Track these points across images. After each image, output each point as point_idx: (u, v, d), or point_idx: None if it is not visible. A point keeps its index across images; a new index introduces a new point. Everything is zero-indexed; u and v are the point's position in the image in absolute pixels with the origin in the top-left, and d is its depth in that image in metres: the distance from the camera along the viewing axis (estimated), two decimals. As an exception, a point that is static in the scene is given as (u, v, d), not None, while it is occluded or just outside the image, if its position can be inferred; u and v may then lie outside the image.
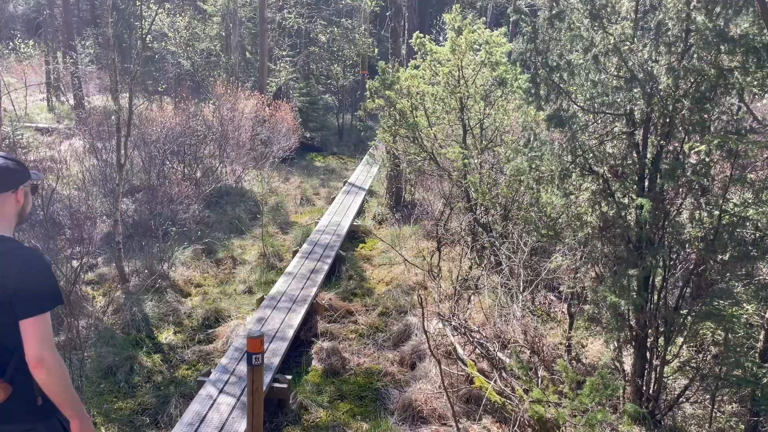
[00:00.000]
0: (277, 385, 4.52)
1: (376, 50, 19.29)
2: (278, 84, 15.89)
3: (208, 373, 4.56)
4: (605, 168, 4.07)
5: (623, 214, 4.00)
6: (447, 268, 6.51)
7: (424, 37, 7.52)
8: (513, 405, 3.98)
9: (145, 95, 15.37)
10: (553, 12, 4.00)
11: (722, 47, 3.45)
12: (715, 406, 4.23)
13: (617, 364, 4.42)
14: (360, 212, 9.68)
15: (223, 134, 10.29)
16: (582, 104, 4.10)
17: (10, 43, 17.24)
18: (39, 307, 1.85)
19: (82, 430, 1.93)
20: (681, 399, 4.24)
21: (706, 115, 3.66)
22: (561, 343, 5.07)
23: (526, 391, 3.84)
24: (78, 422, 1.92)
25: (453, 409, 3.98)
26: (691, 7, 3.59)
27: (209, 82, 13.75)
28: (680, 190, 3.89)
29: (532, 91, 4.09)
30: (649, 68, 3.78)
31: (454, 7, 7.28)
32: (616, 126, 4.09)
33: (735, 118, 3.76)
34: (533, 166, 4.35)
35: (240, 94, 11.58)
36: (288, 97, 16.18)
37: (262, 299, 5.95)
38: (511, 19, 15.98)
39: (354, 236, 8.67)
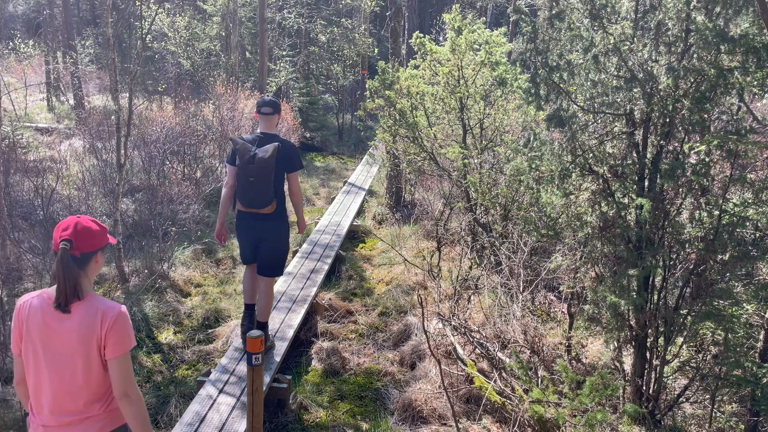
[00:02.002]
0: (277, 385, 4.52)
1: (376, 50, 19.30)
2: (278, 84, 15.89)
3: (208, 373, 4.56)
4: (605, 168, 4.08)
5: (623, 214, 4.00)
6: (447, 268, 6.51)
7: (424, 37, 7.52)
8: (513, 405, 3.99)
9: (145, 95, 15.37)
10: (553, 12, 4.00)
11: (722, 47, 3.45)
12: (715, 406, 4.23)
13: (617, 364, 4.43)
14: (360, 212, 9.68)
15: (223, 134, 10.29)
16: (582, 104, 4.10)
17: (10, 43, 17.25)
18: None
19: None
20: (681, 399, 4.24)
21: (706, 115, 3.67)
22: (561, 343, 5.07)
23: (526, 391, 3.84)
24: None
25: (453, 409, 3.98)
26: (691, 7, 3.59)
27: (209, 82, 13.76)
28: (680, 190, 3.89)
29: (532, 91, 4.09)
30: (649, 68, 3.78)
31: (454, 7, 7.28)
32: (616, 126, 4.09)
33: (735, 118, 3.76)
34: (533, 166, 4.36)
35: (240, 94, 11.58)
36: (288, 97, 16.18)
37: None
38: (511, 19, 15.99)
39: (354, 236, 8.68)
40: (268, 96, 4.57)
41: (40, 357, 2.23)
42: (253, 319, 4.55)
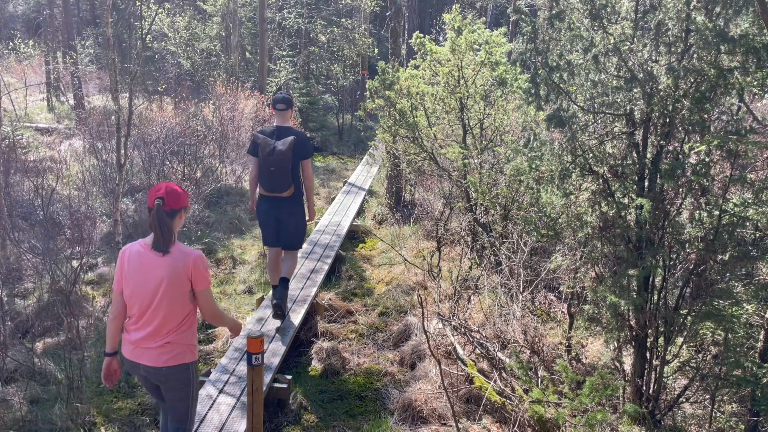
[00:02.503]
0: (277, 385, 4.52)
1: (376, 50, 19.30)
2: (278, 84, 15.89)
3: (208, 373, 4.56)
4: (605, 168, 4.08)
5: (623, 214, 4.00)
6: (447, 268, 6.51)
7: (424, 37, 7.52)
8: (513, 405, 3.99)
9: (145, 95, 15.37)
10: (553, 12, 4.00)
11: (722, 47, 3.45)
12: (715, 406, 4.23)
13: (617, 364, 4.42)
14: (360, 212, 9.68)
15: (223, 134, 10.30)
16: (582, 104, 4.10)
17: (10, 43, 17.25)
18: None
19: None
20: (681, 399, 4.24)
21: (706, 115, 3.67)
22: (561, 343, 5.07)
23: (526, 391, 3.84)
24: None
25: (453, 409, 3.98)
26: (691, 7, 3.59)
27: (209, 82, 13.76)
28: (680, 190, 3.89)
29: (532, 91, 4.09)
30: (649, 68, 3.78)
31: (454, 7, 7.28)
32: (616, 126, 4.09)
33: (735, 118, 3.76)
34: (533, 166, 4.36)
35: (240, 94, 11.58)
36: (288, 97, 16.15)
37: (262, 299, 5.95)
38: (511, 19, 15.99)
39: (354, 236, 8.68)
40: (281, 93, 5.13)
41: (138, 291, 2.85)
42: (283, 294, 5.21)
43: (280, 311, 5.09)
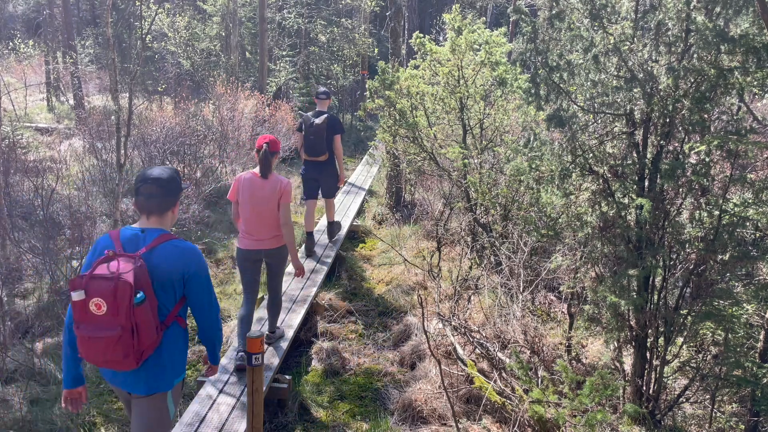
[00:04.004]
0: (277, 385, 4.52)
1: (376, 50, 19.29)
2: (278, 84, 15.89)
3: (208, 373, 4.55)
4: (605, 168, 4.08)
5: (623, 214, 4.00)
6: (447, 268, 6.51)
7: (424, 37, 7.51)
8: (513, 405, 3.99)
9: (145, 95, 15.37)
10: (553, 12, 4.00)
11: (722, 47, 3.45)
12: (715, 406, 4.23)
13: (617, 364, 4.42)
14: (360, 212, 9.67)
15: (223, 134, 10.29)
16: (582, 104, 4.10)
17: (10, 43, 17.25)
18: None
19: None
20: (681, 399, 4.24)
21: (706, 115, 3.66)
22: (561, 343, 5.07)
23: (526, 391, 3.84)
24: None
25: (453, 409, 3.98)
26: (691, 7, 3.59)
27: (209, 82, 13.75)
28: (680, 190, 3.89)
29: (532, 91, 4.09)
30: (649, 68, 3.78)
31: (454, 7, 7.28)
32: (616, 126, 4.09)
33: (735, 118, 3.76)
34: (533, 166, 4.36)
35: (240, 94, 11.57)
36: (288, 97, 16.17)
37: (262, 299, 5.94)
38: (511, 19, 15.99)
39: (354, 236, 8.67)
40: (322, 87, 7.22)
41: (249, 203, 4.47)
42: (313, 242, 7.09)
43: (310, 251, 7.05)
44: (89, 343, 2.45)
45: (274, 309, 4.88)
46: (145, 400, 2.66)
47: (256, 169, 4.51)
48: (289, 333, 5.17)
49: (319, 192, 7.12)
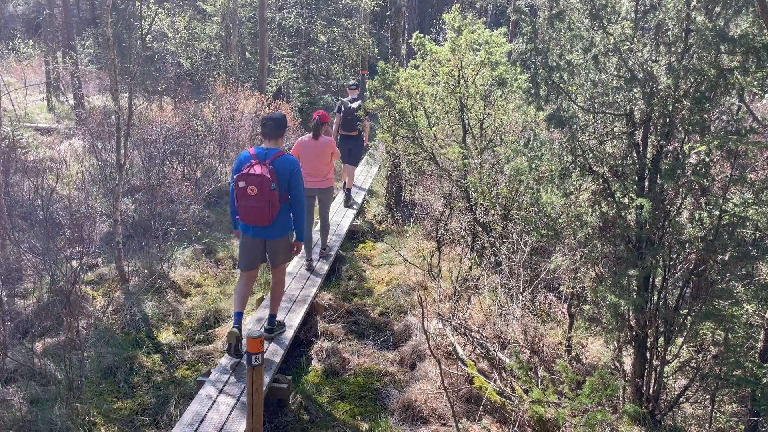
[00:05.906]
0: (277, 385, 4.52)
1: (376, 50, 19.29)
2: (278, 84, 15.88)
3: (208, 373, 4.55)
4: (605, 168, 4.07)
5: (623, 214, 4.00)
6: (447, 268, 6.50)
7: (424, 37, 7.51)
8: (513, 405, 3.99)
9: (145, 95, 15.36)
10: (553, 12, 4.00)
11: (722, 47, 3.45)
12: (715, 406, 4.23)
13: (617, 364, 4.42)
14: (360, 212, 9.67)
15: (223, 134, 10.29)
16: (582, 104, 4.10)
17: (10, 43, 17.24)
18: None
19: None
20: (681, 399, 4.24)
21: (706, 115, 3.66)
22: (561, 343, 5.07)
23: (526, 391, 3.84)
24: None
25: (453, 409, 3.98)
26: (691, 7, 3.59)
27: (209, 82, 13.75)
28: (680, 190, 3.89)
29: (532, 91, 4.09)
30: (649, 68, 3.78)
31: (454, 7, 7.27)
32: (616, 126, 4.09)
33: (735, 118, 3.76)
34: (533, 166, 4.35)
35: (240, 94, 11.57)
36: (288, 97, 16.16)
37: (262, 299, 5.95)
38: (511, 19, 15.98)
39: (354, 236, 8.67)
40: (353, 79, 9.94)
41: (308, 156, 6.46)
42: (350, 196, 9.34)
43: (348, 203, 9.15)
44: (247, 211, 4.38)
45: (324, 230, 6.96)
46: (277, 241, 4.64)
47: (311, 134, 6.50)
48: (289, 333, 5.17)
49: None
